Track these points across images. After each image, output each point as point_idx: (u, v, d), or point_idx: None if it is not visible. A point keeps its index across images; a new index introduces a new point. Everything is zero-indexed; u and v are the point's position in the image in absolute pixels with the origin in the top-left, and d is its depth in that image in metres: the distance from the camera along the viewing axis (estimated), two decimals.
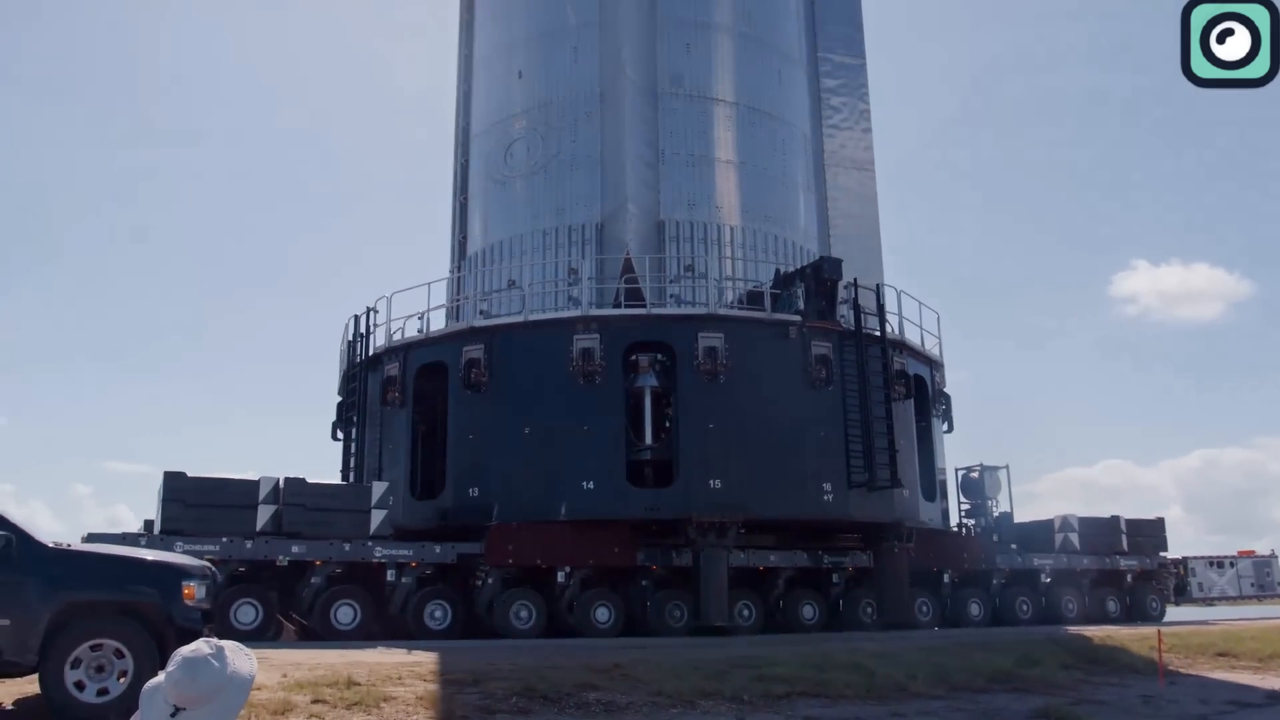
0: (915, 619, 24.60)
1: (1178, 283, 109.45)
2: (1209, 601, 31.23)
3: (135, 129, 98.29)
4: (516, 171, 26.81)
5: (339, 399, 26.13)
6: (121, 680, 8.48)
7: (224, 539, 18.40)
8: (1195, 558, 31.32)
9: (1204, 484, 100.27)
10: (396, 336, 24.72)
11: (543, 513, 21.39)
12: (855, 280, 24.11)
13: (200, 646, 2.36)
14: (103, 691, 8.47)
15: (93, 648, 8.44)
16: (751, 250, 26.01)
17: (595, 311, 22.57)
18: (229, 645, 2.50)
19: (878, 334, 23.78)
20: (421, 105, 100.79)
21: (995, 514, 29.90)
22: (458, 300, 26.20)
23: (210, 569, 9.84)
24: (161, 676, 2.49)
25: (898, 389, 24.03)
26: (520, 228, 26.35)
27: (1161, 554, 30.20)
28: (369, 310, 25.03)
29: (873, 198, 30.23)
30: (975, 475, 29.54)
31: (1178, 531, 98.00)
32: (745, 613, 22.94)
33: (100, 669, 8.49)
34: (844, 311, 23.97)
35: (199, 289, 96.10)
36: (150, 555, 9.63)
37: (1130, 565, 29.35)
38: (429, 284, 24.10)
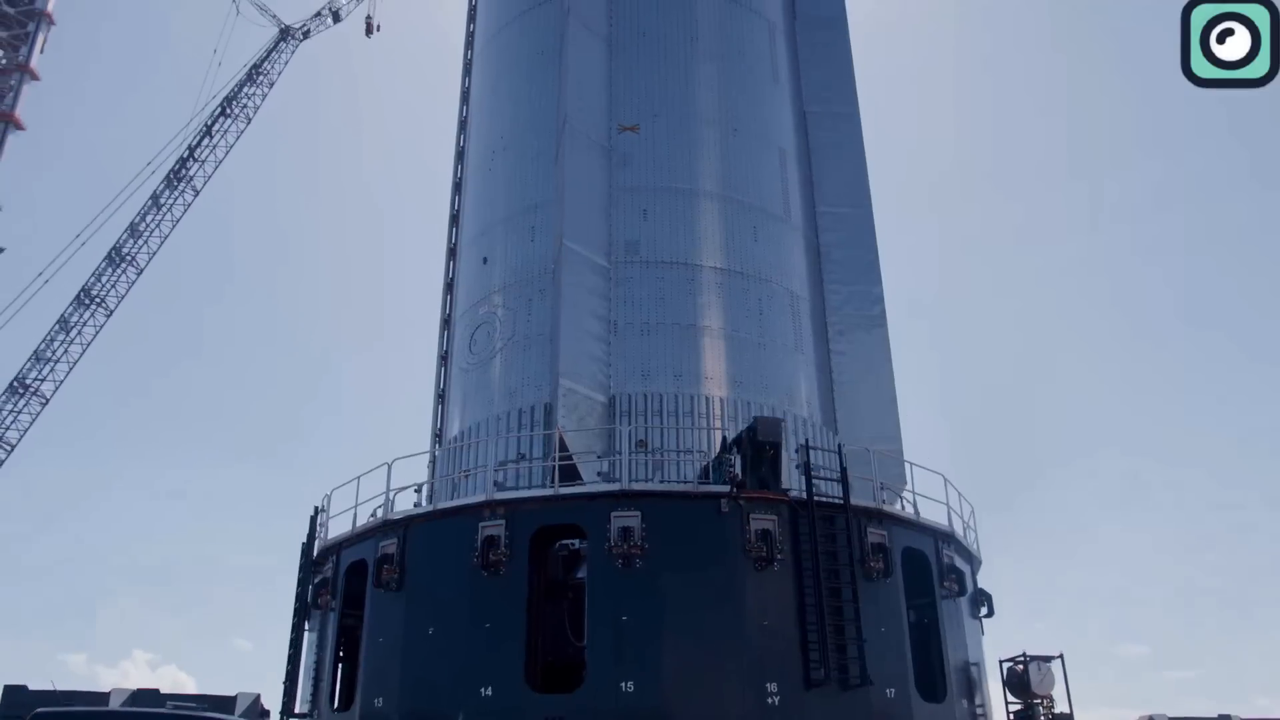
0: None
1: None
2: None
3: None
4: (479, 358, 25.91)
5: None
6: None
7: None
8: None
9: None
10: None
11: None
12: (806, 442, 21.24)
13: None
14: None
15: None
16: (719, 421, 23.59)
17: (499, 495, 20.67)
18: None
19: (840, 502, 20.58)
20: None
21: (1050, 717, 24.51)
22: (419, 490, 24.91)
23: None
24: None
25: (872, 566, 20.51)
26: (479, 414, 25.20)
27: None
28: (316, 510, 24.11)
29: (886, 355, 27.23)
30: (1020, 668, 24.51)
31: None
32: None
33: None
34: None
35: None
36: None
37: None
38: (359, 478, 22.91)
